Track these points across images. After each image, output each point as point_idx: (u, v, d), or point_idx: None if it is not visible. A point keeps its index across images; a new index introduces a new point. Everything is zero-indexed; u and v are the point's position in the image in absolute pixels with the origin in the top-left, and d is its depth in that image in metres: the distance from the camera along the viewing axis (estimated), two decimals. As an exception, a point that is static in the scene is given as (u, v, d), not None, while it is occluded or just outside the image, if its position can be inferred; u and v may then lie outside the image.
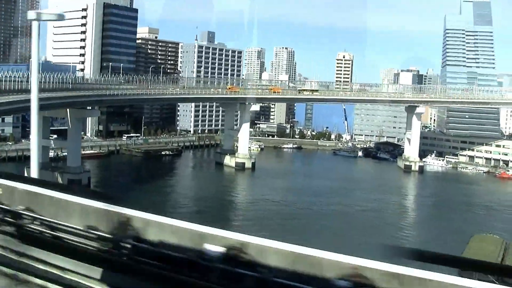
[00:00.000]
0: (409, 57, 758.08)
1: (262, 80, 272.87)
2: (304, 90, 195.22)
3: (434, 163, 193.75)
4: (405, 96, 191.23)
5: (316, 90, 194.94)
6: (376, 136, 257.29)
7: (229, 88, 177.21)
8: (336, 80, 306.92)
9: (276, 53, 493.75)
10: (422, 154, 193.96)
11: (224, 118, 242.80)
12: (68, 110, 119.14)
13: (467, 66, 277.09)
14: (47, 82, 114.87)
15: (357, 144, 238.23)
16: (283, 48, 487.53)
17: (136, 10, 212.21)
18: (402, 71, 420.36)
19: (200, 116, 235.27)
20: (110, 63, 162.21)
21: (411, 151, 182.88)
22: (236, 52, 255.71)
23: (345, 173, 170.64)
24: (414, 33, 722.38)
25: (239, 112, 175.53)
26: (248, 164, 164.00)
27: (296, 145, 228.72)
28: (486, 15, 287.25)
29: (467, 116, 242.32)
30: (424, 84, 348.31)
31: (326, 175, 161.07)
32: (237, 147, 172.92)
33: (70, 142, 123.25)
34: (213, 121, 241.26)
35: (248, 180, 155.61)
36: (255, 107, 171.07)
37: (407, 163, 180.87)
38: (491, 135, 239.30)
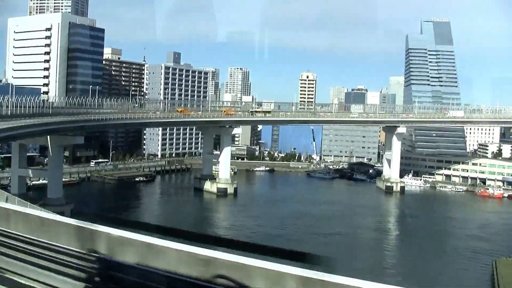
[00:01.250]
0: (357, 76, 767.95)
1: (225, 102, 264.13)
2: (257, 111, 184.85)
3: (412, 183, 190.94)
4: (386, 116, 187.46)
5: (269, 112, 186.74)
6: (345, 156, 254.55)
7: (181, 111, 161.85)
8: (301, 101, 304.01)
9: (231, 74, 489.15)
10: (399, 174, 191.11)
11: (191, 141, 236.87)
12: (48, 137, 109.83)
13: (431, 85, 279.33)
14: (23, 106, 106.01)
15: (329, 165, 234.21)
16: (237, 68, 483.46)
17: (102, 30, 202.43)
18: (353, 90, 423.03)
19: (167, 140, 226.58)
20: (90, 86, 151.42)
21: (392, 171, 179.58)
22: (203, 73, 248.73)
23: (330, 197, 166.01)
24: (364, 52, 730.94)
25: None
26: (230, 190, 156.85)
27: (268, 168, 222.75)
28: (446, 34, 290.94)
29: (434, 135, 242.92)
30: (383, 103, 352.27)
31: (312, 200, 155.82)
32: (216, 171, 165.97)
33: (51, 171, 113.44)
34: (180, 144, 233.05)
35: (234, 207, 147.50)
36: (238, 130, 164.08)
37: (388, 184, 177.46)
38: (458, 153, 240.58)
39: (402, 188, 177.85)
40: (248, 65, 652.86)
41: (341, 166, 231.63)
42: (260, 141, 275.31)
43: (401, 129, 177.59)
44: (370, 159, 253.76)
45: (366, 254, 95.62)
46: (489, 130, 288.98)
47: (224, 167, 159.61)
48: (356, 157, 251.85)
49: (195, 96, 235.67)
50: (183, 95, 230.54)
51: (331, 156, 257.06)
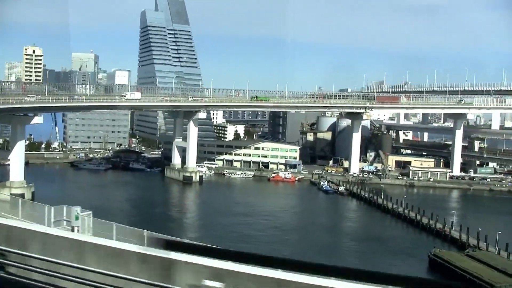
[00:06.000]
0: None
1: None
2: None
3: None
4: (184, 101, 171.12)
5: None
6: (94, 142, 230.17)
7: None
8: (26, 79, 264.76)
9: None
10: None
11: None
12: None
13: (173, 65, 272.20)
14: None
15: (90, 154, 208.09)
16: None
17: None
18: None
19: None
20: None
21: (189, 160, 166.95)
22: None
23: (132, 194, 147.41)
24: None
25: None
26: (28, 195, 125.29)
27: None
28: (182, 13, 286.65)
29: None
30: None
31: (120, 199, 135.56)
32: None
33: None
34: None
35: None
36: (38, 119, 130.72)
37: (187, 174, 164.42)
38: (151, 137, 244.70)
39: (201, 177, 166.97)
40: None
41: (105, 155, 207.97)
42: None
43: (202, 114, 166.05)
44: (121, 144, 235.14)
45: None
46: (215, 112, 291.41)
47: (17, 166, 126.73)
48: (107, 142, 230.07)
49: None
50: None
51: (77, 142, 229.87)
